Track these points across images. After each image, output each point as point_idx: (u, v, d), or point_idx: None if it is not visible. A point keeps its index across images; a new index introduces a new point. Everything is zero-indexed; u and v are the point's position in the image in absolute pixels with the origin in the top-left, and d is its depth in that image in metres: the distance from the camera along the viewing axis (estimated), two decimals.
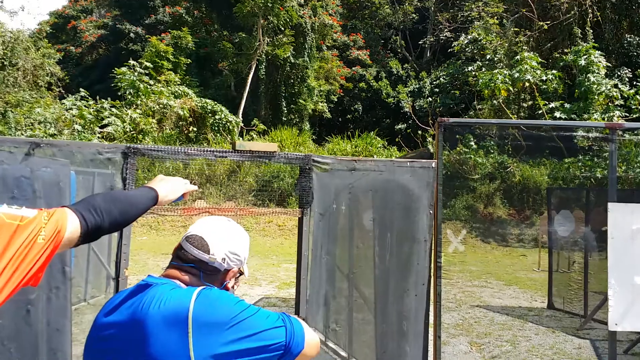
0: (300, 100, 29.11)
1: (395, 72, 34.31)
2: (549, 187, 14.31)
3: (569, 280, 10.81)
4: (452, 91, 29.95)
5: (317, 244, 7.21)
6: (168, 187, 2.19)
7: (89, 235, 1.76)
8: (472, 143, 20.51)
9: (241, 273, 2.19)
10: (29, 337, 3.25)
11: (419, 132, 22.96)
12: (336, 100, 31.97)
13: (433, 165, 4.23)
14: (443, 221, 14.41)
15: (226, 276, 2.03)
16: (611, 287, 4.08)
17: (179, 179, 2.25)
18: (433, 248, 4.21)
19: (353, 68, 33.12)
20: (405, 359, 4.16)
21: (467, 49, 27.34)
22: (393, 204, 4.28)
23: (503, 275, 14.10)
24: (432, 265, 4.22)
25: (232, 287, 2.14)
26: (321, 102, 30.73)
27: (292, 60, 28.11)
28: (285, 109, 28.64)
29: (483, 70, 23.39)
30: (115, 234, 3.41)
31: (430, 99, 30.62)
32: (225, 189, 19.15)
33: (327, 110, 30.79)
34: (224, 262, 1.99)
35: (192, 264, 1.95)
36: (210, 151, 3.53)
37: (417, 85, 32.25)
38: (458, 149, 20.42)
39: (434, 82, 31.50)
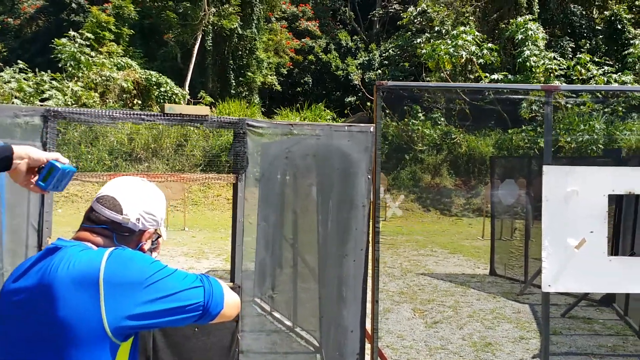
0: (249, 73, 28.72)
1: (344, 44, 34.14)
2: (492, 157, 14.55)
3: (511, 248, 11.06)
4: (402, 63, 30.02)
5: (258, 211, 7.14)
6: (28, 148, 1.90)
7: None
8: (420, 114, 20.65)
9: (158, 235, 2.11)
10: None
11: (368, 103, 22.96)
12: (286, 72, 31.68)
13: (371, 129, 4.18)
14: (389, 191, 14.55)
15: (142, 237, 1.97)
16: (545, 249, 4.14)
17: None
18: (371, 213, 4.18)
19: (302, 40, 32.81)
20: (343, 323, 4.15)
21: (415, 21, 27.39)
22: (331, 169, 4.22)
23: (448, 244, 14.34)
24: (371, 230, 4.19)
25: (150, 250, 2.06)
26: (270, 74, 30.41)
27: (240, 32, 27.64)
28: (233, 81, 28.20)
29: (431, 42, 23.50)
30: (37, 202, 3.25)
31: (379, 71, 30.63)
32: (172, 162, 18.82)
33: (276, 83, 30.51)
34: (138, 222, 1.92)
35: (104, 225, 1.88)
36: (137, 114, 3.39)
37: (367, 58, 32.20)
38: (405, 120, 20.54)
39: (383, 55, 31.51)
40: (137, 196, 1.94)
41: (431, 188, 19.97)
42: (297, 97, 31.08)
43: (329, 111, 24.49)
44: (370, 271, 4.22)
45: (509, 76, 19.64)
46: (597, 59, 18.37)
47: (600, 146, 16.11)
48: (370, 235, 4.20)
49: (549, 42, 20.96)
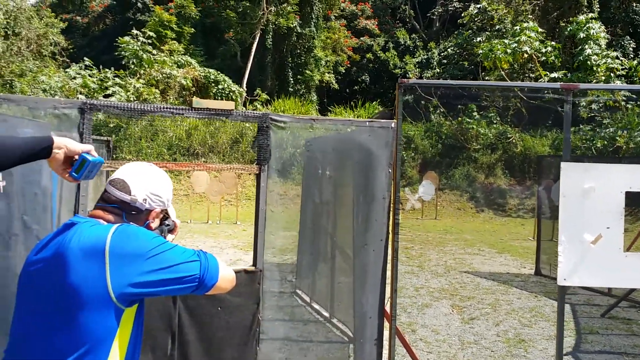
0: (307, 71, 29.06)
1: (403, 43, 34.04)
2: (540, 156, 14.33)
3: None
4: (460, 62, 29.74)
5: (305, 210, 7.38)
6: (67, 139, 2.16)
7: None
8: (475, 113, 20.48)
9: (166, 216, 2.36)
10: None
11: (422, 102, 22.92)
12: (344, 71, 31.88)
13: (392, 125, 4.34)
14: (442, 190, 14.61)
15: (149, 216, 2.19)
16: (561, 244, 4.21)
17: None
18: (391, 205, 4.34)
19: (361, 38, 32.93)
20: (363, 310, 4.34)
21: (476, 19, 27.08)
22: (352, 162, 4.41)
23: (497, 243, 14.24)
24: (391, 222, 4.36)
25: (166, 231, 2.32)
26: (328, 72, 30.66)
27: (299, 30, 28.01)
28: (291, 79, 28.61)
29: (490, 41, 23.22)
30: (73, 188, 3.57)
31: (437, 69, 30.43)
32: (228, 158, 19.34)
33: (334, 81, 30.75)
34: (145, 203, 2.15)
35: (115, 204, 2.11)
36: (166, 108, 3.66)
37: (425, 56, 32.02)
38: (460, 119, 20.41)
39: (442, 53, 31.27)
40: (144, 179, 2.17)
41: (484, 188, 19.79)
42: (355, 95, 31.23)
43: (382, 109, 24.54)
44: (390, 261, 4.39)
45: (568, 75, 19.25)
46: None
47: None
48: (390, 227, 4.36)
49: (610, 42, 20.41)
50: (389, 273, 4.42)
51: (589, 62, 17.74)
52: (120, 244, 1.94)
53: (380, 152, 4.31)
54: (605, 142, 17.25)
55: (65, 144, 2.08)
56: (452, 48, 30.65)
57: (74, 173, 2.09)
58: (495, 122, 20.44)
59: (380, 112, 22.78)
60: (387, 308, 4.43)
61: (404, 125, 22.45)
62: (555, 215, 11.38)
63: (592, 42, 18.46)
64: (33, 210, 3.59)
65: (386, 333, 4.48)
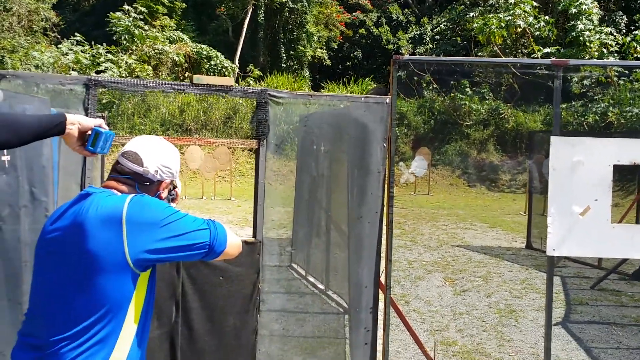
0: (300, 47, 28.97)
1: (395, 18, 33.90)
2: (531, 131, 14.47)
3: None
4: (453, 38, 29.70)
5: (301, 185, 7.50)
6: (79, 116, 2.25)
7: None
8: (468, 89, 20.55)
9: (174, 186, 2.48)
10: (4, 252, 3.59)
11: (415, 78, 22.96)
12: (336, 47, 31.80)
13: (387, 100, 4.44)
14: (435, 166, 14.73)
15: (159, 187, 2.32)
16: (551, 216, 4.35)
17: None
18: (386, 179, 4.46)
19: (353, 13, 32.79)
20: (359, 280, 4.48)
21: None
22: (348, 137, 4.52)
23: (489, 218, 14.44)
24: (385, 195, 4.47)
25: (168, 200, 2.44)
26: (320, 48, 30.58)
27: (291, 5, 27.86)
28: (284, 55, 28.52)
29: (483, 15, 23.19)
30: (80, 161, 3.67)
31: (430, 45, 30.40)
32: (220, 134, 19.37)
33: (326, 57, 30.69)
34: (156, 174, 2.26)
35: (128, 175, 2.23)
36: (168, 84, 3.75)
37: (418, 32, 31.93)
38: (452, 95, 20.49)
39: (435, 29, 31.21)
40: (155, 151, 2.27)
41: (477, 163, 19.96)
42: (347, 72, 31.17)
43: (375, 85, 24.58)
44: (384, 232, 4.52)
45: (561, 50, 19.30)
46: None
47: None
48: (385, 200, 4.48)
49: (603, 17, 20.44)
50: (383, 245, 4.55)
51: (581, 38, 17.79)
52: (136, 213, 2.06)
53: (375, 127, 4.41)
54: (597, 118, 17.40)
55: (78, 120, 2.18)
56: (445, 23, 30.59)
57: (90, 147, 2.20)
58: (487, 98, 20.53)
59: (374, 89, 22.83)
60: (382, 279, 4.57)
61: (397, 101, 22.48)
62: (546, 190, 11.58)
63: (584, 18, 18.48)
64: (41, 183, 3.69)
65: (381, 304, 4.63)
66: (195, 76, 3.85)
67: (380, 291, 4.57)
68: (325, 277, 6.79)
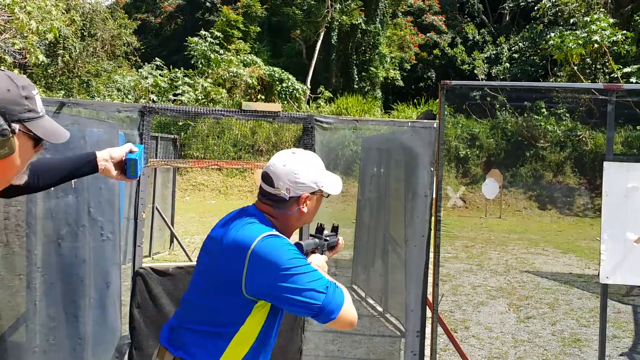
0: (372, 68, 29.10)
1: (471, 38, 33.55)
2: (603, 154, 13.89)
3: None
4: (532, 57, 29.09)
5: (362, 206, 7.55)
6: (109, 150, 2.34)
7: (21, 189, 2.07)
8: (543, 110, 20.04)
9: (327, 194, 2.37)
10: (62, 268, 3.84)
11: (488, 99, 22.63)
12: (409, 67, 31.75)
13: (435, 125, 4.45)
14: (507, 189, 14.41)
15: (299, 202, 2.27)
16: (604, 242, 4.23)
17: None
18: (434, 203, 4.46)
19: (427, 34, 32.70)
20: (408, 303, 4.49)
21: (549, 12, 26.40)
22: (395, 161, 4.56)
23: (562, 243, 13.95)
24: (433, 219, 4.47)
25: (321, 245, 2.50)
26: (393, 69, 30.62)
27: (364, 27, 28.09)
28: (356, 76, 28.71)
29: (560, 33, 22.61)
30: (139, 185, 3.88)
31: (507, 64, 29.89)
32: None
33: (399, 78, 30.68)
34: (288, 192, 2.23)
35: (266, 197, 2.27)
36: (218, 111, 3.91)
37: (494, 52, 31.45)
38: (525, 115, 20.03)
39: (512, 48, 30.66)
40: (284, 169, 2.23)
41: (552, 186, 19.37)
42: (420, 92, 31.02)
43: (447, 106, 24.38)
44: (432, 256, 4.51)
45: None
46: None
47: None
48: (432, 224, 4.48)
49: None
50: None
51: None
52: (263, 252, 2.09)
53: (422, 150, 4.43)
54: None
55: (109, 154, 2.28)
56: (522, 43, 30.00)
57: (130, 175, 2.33)
58: (564, 118, 19.95)
59: (424, 113, 22.71)
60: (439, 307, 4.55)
61: (469, 122, 22.23)
62: None
63: None
64: (98, 203, 3.92)
65: (440, 329, 4.61)
66: (244, 103, 4.00)
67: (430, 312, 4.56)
68: (383, 299, 6.79)
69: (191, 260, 7.47)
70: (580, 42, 18.83)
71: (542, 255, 12.25)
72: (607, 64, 20.24)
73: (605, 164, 4.24)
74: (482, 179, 18.89)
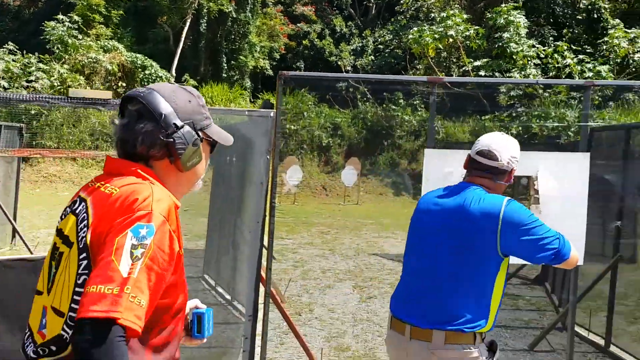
0: (241, 57, 28.98)
1: (339, 30, 34.33)
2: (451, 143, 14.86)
3: None
4: (395, 50, 30.23)
5: (213, 196, 7.57)
6: None
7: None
8: (401, 100, 20.98)
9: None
10: None
11: (350, 90, 23.37)
12: (279, 57, 31.96)
13: (271, 114, 4.61)
14: (366, 176, 14.90)
15: (511, 175, 2.82)
16: None
17: None
18: (269, 190, 4.62)
19: (298, 24, 33.06)
20: (241, 285, 4.62)
21: (411, 7, 27.58)
22: (232, 149, 4.67)
23: None
24: (267, 205, 4.63)
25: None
26: (263, 58, 30.68)
27: (234, 15, 27.89)
28: (225, 65, 28.48)
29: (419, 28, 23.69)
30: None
31: (372, 57, 30.89)
32: None
33: (268, 67, 30.79)
34: (509, 165, 2.77)
35: (487, 170, 2.76)
36: (43, 97, 3.83)
37: (360, 44, 32.42)
38: (384, 105, 20.88)
39: (378, 41, 31.74)
40: (504, 145, 2.78)
41: (405, 173, 20.39)
42: (290, 82, 31.27)
43: (311, 97, 24.85)
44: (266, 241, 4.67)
45: (490, 62, 19.85)
46: (574, 47, 18.66)
47: (570, 134, 16.42)
48: (267, 210, 4.64)
49: (532, 31, 21.20)
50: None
51: (508, 50, 18.41)
52: (510, 215, 2.61)
53: (258, 139, 4.57)
54: (520, 129, 18.03)
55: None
56: (387, 36, 31.13)
57: (196, 334, 2.01)
58: (419, 109, 21.02)
59: (264, 102, 23.16)
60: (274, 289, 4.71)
61: (332, 112, 22.84)
62: None
63: (512, 30, 19.08)
64: None
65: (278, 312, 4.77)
66: (70, 90, 3.94)
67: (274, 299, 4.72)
68: (231, 287, 6.87)
69: (32, 254, 7.17)
70: (437, 36, 19.91)
71: (390, 238, 12.87)
72: (460, 57, 21.51)
73: (426, 151, 4.60)
74: (342, 167, 19.55)
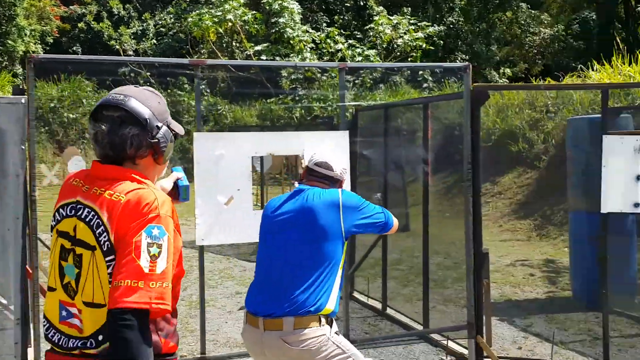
0: (9, 42, 26.52)
1: (116, 13, 32.78)
2: (249, 126, 15.03)
3: None
4: (178, 34, 29.66)
5: None
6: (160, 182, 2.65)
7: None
8: (186, 85, 20.69)
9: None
10: None
11: (132, 74, 22.51)
12: (52, 41, 29.76)
13: (22, 101, 4.24)
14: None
15: (342, 184, 3.32)
16: (198, 207, 4.56)
17: None
18: (28, 182, 4.27)
19: (71, 7, 30.97)
20: (8, 286, 4.27)
21: None
22: None
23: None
24: (28, 199, 4.29)
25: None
26: (34, 43, 28.33)
27: None
28: None
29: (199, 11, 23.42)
30: None
31: (154, 41, 30.04)
32: None
33: (41, 52, 28.46)
34: (341, 175, 3.30)
35: (323, 178, 3.22)
36: None
37: (141, 27, 31.32)
38: (169, 90, 20.46)
39: (159, 24, 30.93)
40: (336, 160, 3.30)
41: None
42: (66, 66, 29.23)
43: (90, 82, 23.55)
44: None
45: (270, 47, 20.28)
46: (345, 33, 19.76)
47: (347, 115, 17.42)
48: (28, 204, 4.29)
49: (306, 17, 22.05)
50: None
51: (285, 35, 18.96)
52: (347, 200, 3.11)
53: (10, 128, 4.20)
54: (303, 111, 18.79)
55: (160, 186, 2.56)
56: (168, 19, 30.46)
57: (182, 199, 2.71)
58: (205, 94, 20.90)
59: (14, 87, 22.07)
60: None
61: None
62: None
63: (286, 16, 19.65)
64: None
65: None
66: None
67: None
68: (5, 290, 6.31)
69: None
70: (217, 20, 19.87)
71: (184, 225, 12.66)
72: (241, 42, 21.68)
73: (195, 134, 4.58)
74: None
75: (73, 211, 2.03)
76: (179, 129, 2.21)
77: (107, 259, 1.94)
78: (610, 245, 5.28)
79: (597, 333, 5.40)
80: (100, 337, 1.94)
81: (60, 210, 2.08)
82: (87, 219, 1.99)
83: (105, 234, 1.94)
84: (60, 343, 2.01)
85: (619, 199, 4.85)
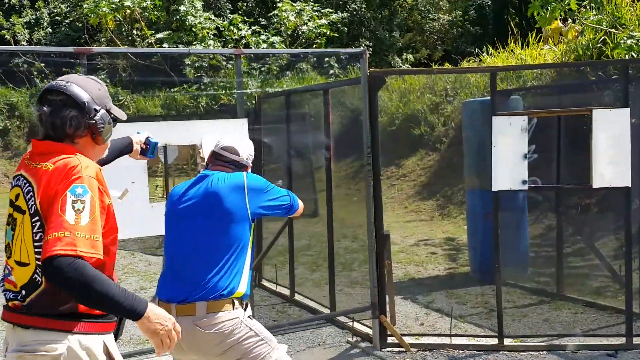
0: None
1: (7, 1, 31.05)
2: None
3: None
4: (75, 22, 28.49)
5: None
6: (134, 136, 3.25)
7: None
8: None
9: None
10: None
11: (25, 65, 21.44)
12: None
13: None
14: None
15: (248, 168, 3.30)
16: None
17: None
18: None
19: None
20: None
21: None
22: None
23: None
24: None
25: None
26: None
27: None
28: None
29: None
30: None
31: (50, 30, 28.73)
32: None
33: None
34: (248, 160, 3.30)
35: (230, 163, 3.22)
36: None
37: (34, 16, 29.82)
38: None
39: (53, 12, 29.58)
40: (244, 145, 3.34)
41: None
42: None
43: None
44: None
45: (172, 34, 19.81)
46: (249, 20, 19.54)
47: (249, 104, 17.29)
48: None
49: (209, 4, 21.67)
50: None
51: (187, 22, 18.57)
52: (251, 182, 3.13)
53: None
54: (209, 100, 18.48)
55: (139, 138, 3.25)
56: (63, 7, 29.18)
57: (150, 155, 3.27)
58: (106, 83, 20.15)
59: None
60: None
61: (4, 91, 20.81)
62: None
63: (187, 3, 19.26)
64: None
65: None
66: None
67: None
68: None
69: None
70: (114, 7, 19.19)
71: None
72: (139, 28, 21.00)
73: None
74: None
75: (18, 182, 2.30)
76: (120, 113, 2.47)
77: (32, 220, 2.19)
78: (504, 221, 5.56)
79: (493, 305, 5.64)
80: (23, 292, 2.19)
81: (12, 181, 2.37)
82: (23, 188, 2.25)
83: (32, 198, 2.19)
84: (6, 297, 2.28)
85: (508, 177, 5.09)
